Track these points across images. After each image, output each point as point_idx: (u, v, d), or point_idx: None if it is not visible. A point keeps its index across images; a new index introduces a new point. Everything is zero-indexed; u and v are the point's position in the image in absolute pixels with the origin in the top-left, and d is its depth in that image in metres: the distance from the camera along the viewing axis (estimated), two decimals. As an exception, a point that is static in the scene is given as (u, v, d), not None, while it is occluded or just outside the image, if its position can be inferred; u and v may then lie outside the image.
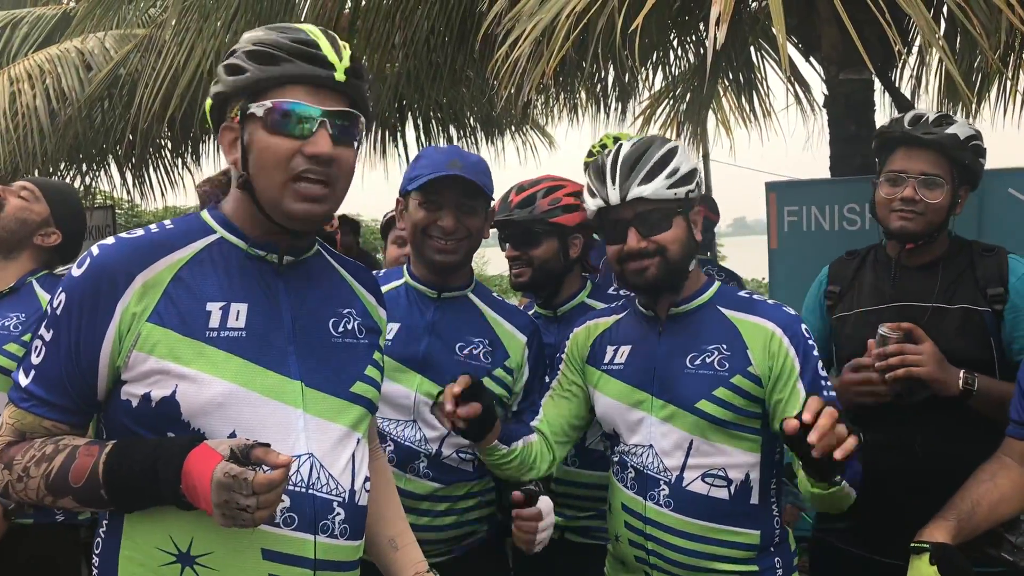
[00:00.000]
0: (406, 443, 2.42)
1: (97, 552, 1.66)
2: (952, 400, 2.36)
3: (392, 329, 2.46)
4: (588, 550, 2.67)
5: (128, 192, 9.17)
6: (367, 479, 1.78)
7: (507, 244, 2.82)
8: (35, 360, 1.60)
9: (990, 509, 2.04)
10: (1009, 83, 7.03)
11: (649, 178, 2.19)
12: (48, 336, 1.59)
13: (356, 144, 1.69)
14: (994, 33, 2.93)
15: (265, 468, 1.46)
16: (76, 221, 3.10)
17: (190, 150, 9.24)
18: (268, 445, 1.52)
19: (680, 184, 2.22)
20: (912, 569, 1.92)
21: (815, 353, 2.19)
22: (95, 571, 1.66)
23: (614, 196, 2.20)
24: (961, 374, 2.34)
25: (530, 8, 2.88)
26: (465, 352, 2.46)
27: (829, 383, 2.18)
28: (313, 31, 1.65)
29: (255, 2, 5.43)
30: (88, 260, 1.60)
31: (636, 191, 2.18)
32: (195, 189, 3.10)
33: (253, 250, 1.71)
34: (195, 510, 1.52)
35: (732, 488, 2.19)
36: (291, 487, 1.61)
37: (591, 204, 2.28)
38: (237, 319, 1.63)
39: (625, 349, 2.33)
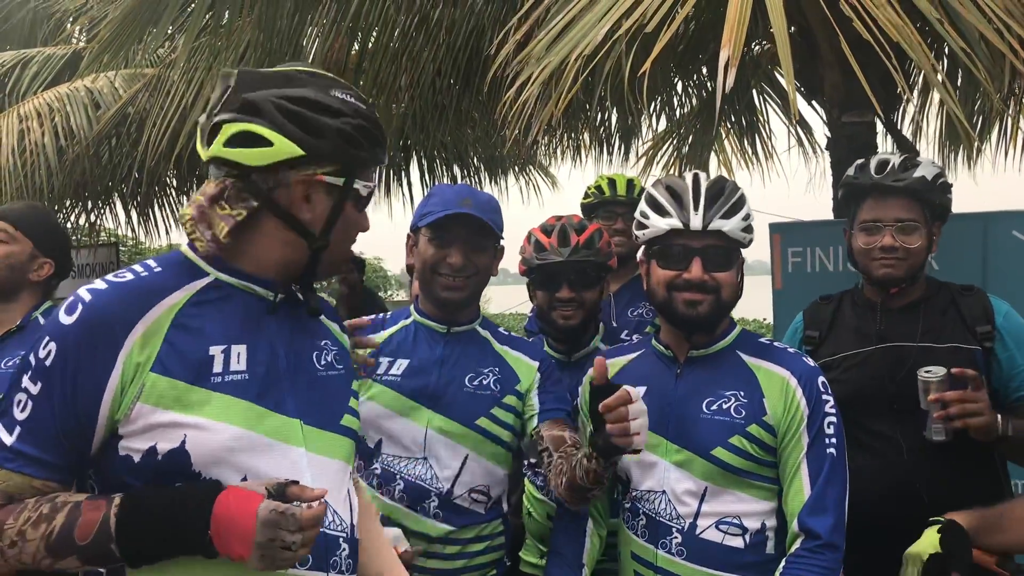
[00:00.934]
0: (416, 481, 2.40)
1: None
2: (940, 447, 2.37)
3: (401, 365, 2.46)
4: None
5: (133, 230, 9.22)
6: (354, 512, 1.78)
7: (563, 286, 2.79)
8: (20, 416, 1.50)
9: (1020, 520, 2.08)
10: (1010, 125, 7.09)
11: (730, 214, 2.20)
12: (36, 389, 1.50)
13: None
14: (997, 76, 2.96)
15: (302, 505, 1.46)
16: (58, 238, 3.03)
17: (195, 188, 9.30)
18: (298, 482, 1.51)
19: (748, 230, 2.25)
20: (923, 536, 2.01)
21: (829, 408, 2.19)
22: None
23: (696, 222, 2.18)
24: (999, 418, 2.32)
25: (538, 52, 2.92)
26: (475, 383, 2.44)
27: (833, 440, 2.16)
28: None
29: (265, 41, 5.49)
30: (80, 307, 1.53)
31: (718, 223, 2.18)
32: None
33: (261, 290, 1.69)
34: (210, 560, 1.49)
35: (747, 537, 2.16)
36: None
37: (661, 224, 2.22)
38: (239, 362, 1.61)
39: (641, 389, 2.25)
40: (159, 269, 1.64)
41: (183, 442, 1.52)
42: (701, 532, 2.16)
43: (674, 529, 2.18)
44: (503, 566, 2.57)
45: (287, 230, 1.67)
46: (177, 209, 9.52)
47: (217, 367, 1.58)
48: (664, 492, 2.21)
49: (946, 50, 5.00)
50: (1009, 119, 6.71)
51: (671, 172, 8.66)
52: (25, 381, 1.52)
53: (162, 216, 9.23)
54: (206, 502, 1.46)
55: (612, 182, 3.89)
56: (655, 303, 2.31)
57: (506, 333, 2.63)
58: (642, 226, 2.30)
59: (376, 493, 2.41)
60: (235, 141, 1.62)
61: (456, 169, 9.40)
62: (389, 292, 26.80)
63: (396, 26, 5.81)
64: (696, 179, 2.25)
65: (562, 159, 9.24)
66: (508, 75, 3.33)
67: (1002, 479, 2.52)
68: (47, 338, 1.53)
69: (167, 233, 9.41)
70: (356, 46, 6.29)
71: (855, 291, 2.77)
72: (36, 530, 1.47)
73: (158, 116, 5.83)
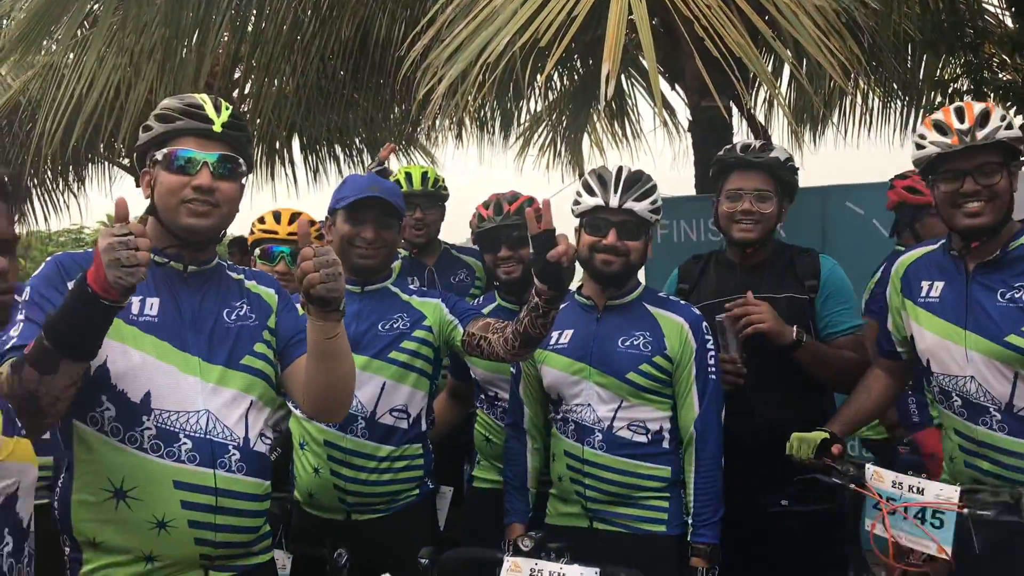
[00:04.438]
0: None
1: (57, 494, 2.13)
2: (782, 376, 2.97)
3: None
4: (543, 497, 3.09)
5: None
6: (263, 434, 2.23)
7: (502, 246, 3.37)
8: (14, 333, 1.98)
9: (866, 412, 2.90)
10: (849, 104, 7.90)
11: (641, 198, 2.79)
12: (22, 316, 2.02)
13: (237, 178, 2.21)
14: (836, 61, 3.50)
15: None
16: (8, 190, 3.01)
17: (72, 175, 9.25)
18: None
19: (655, 212, 2.85)
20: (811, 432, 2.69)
21: (710, 346, 2.85)
22: (55, 510, 2.13)
23: (614, 201, 2.77)
24: (794, 328, 2.95)
25: (439, 60, 3.33)
26: (387, 327, 2.91)
27: (714, 369, 2.84)
28: (202, 97, 2.23)
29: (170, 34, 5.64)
30: (45, 262, 2.14)
31: (631, 204, 2.78)
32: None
33: (161, 259, 2.19)
34: (123, 452, 2.05)
35: (649, 435, 2.82)
36: (193, 434, 2.10)
37: (588, 201, 2.81)
38: (151, 309, 2.16)
39: (568, 332, 2.88)
40: None
41: (105, 360, 2.06)
42: (616, 431, 2.80)
43: (596, 430, 2.81)
44: (426, 487, 2.99)
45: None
46: (54, 195, 9.45)
47: (135, 310, 2.13)
48: (589, 404, 2.83)
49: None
50: (850, 95, 7.45)
51: (547, 152, 9.17)
52: (16, 315, 2.02)
53: (40, 203, 9.13)
54: (82, 280, 1.82)
55: (408, 176, 4.24)
56: (581, 262, 2.85)
57: (415, 288, 3.11)
58: (577, 203, 2.87)
59: (314, 423, 2.84)
60: None
61: (338, 150, 9.60)
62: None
63: (288, 13, 6.05)
64: (620, 170, 2.83)
65: (443, 141, 9.61)
66: (405, 70, 3.70)
67: (827, 407, 3.12)
68: (27, 286, 2.08)
69: (45, 220, 9.32)
70: (249, 34, 6.47)
71: (719, 252, 3.34)
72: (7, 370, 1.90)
73: (50, 108, 5.87)
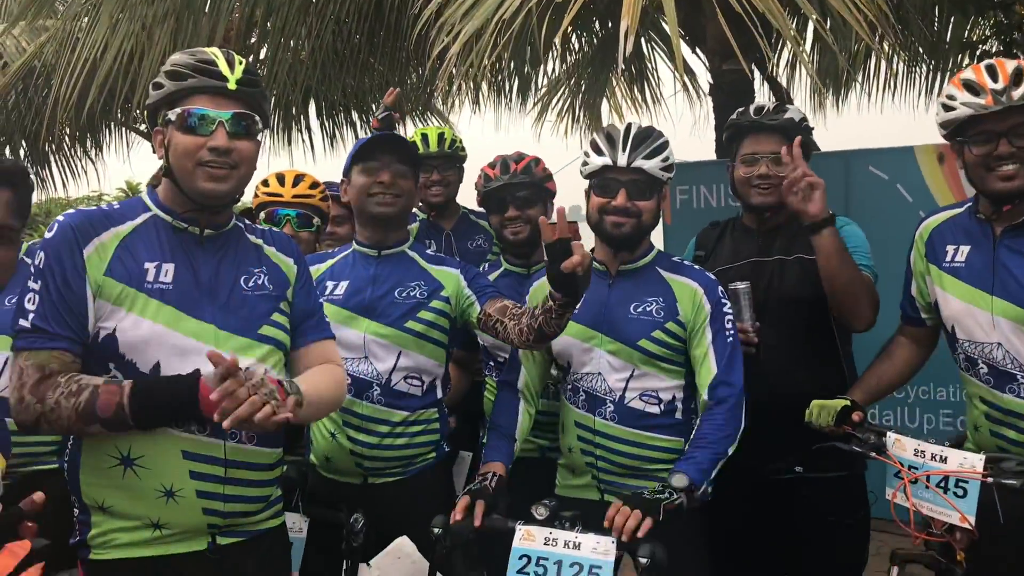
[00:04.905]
0: (360, 376, 2.82)
1: (67, 460, 2.11)
2: (802, 343, 2.93)
3: (342, 286, 2.89)
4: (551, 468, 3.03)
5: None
6: None
7: (508, 207, 3.29)
8: (30, 307, 1.98)
9: (889, 380, 2.83)
10: (873, 68, 7.75)
11: (651, 156, 2.68)
12: (37, 286, 2.00)
13: (255, 137, 2.14)
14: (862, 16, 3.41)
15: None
16: (19, 178, 2.71)
17: (89, 140, 9.24)
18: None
19: (667, 170, 2.74)
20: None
21: (727, 310, 2.75)
22: (65, 473, 2.11)
23: (622, 160, 2.67)
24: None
25: (457, 15, 3.25)
26: (403, 295, 2.87)
27: (731, 332, 2.72)
28: (214, 51, 2.15)
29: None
30: (57, 225, 2.05)
31: (640, 162, 2.67)
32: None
33: (178, 223, 2.15)
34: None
35: (661, 405, 2.73)
36: None
37: (596, 161, 2.71)
38: (166, 276, 2.09)
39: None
40: (118, 207, 2.16)
41: (115, 329, 2.02)
42: (628, 402, 2.72)
43: (607, 400, 2.74)
44: (443, 450, 3.00)
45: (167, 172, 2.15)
46: (72, 161, 9.45)
47: (149, 277, 2.07)
48: (600, 373, 2.75)
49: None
50: (879, 58, 7.30)
51: (565, 118, 9.05)
52: (30, 284, 2.02)
53: (58, 170, 9.14)
54: (193, 390, 1.92)
55: (425, 137, 4.13)
56: (591, 225, 2.80)
57: (433, 253, 3.05)
58: (585, 164, 2.77)
59: None
60: None
61: (355, 115, 9.53)
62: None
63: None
64: (628, 127, 2.73)
65: (460, 107, 9.51)
66: (420, 29, 3.63)
67: (846, 373, 3.04)
68: (39, 251, 2.03)
69: (63, 185, 9.33)
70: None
71: (736, 219, 3.27)
72: (68, 402, 1.92)
73: (65, 71, 5.84)
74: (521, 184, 3.31)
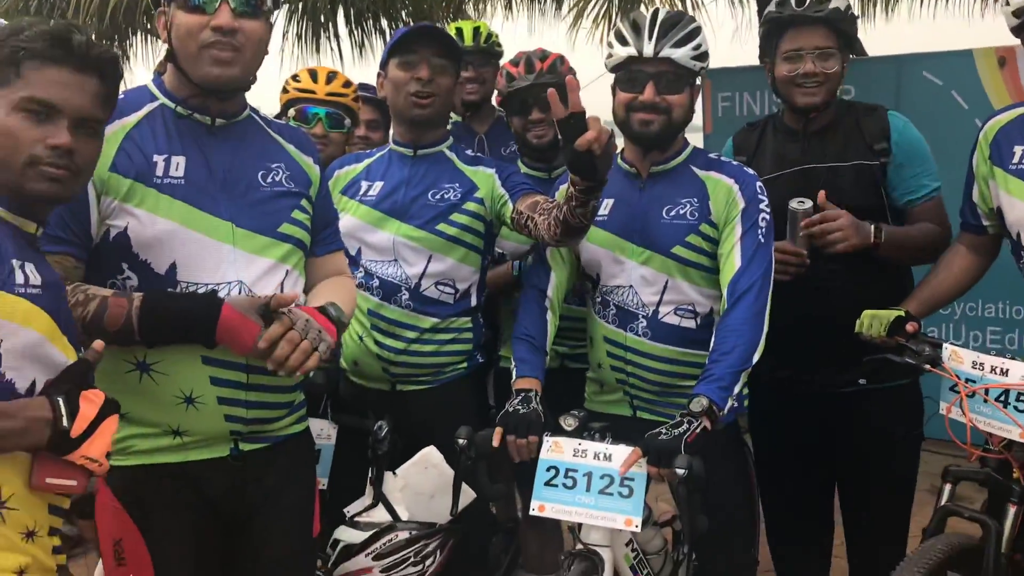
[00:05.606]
0: (389, 279, 2.71)
1: None
2: (856, 254, 2.66)
3: (376, 187, 2.76)
4: (583, 376, 2.88)
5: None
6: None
7: (532, 109, 3.05)
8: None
9: (946, 291, 2.69)
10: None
11: (681, 44, 2.44)
12: None
13: (263, 16, 2.00)
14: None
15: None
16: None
17: (116, 47, 9.05)
18: (272, 298, 1.89)
19: (700, 59, 2.49)
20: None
21: (763, 207, 2.49)
22: None
23: (648, 49, 2.43)
24: (871, 229, 2.65)
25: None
26: (437, 197, 2.73)
27: (764, 230, 2.46)
28: None
29: None
30: None
31: (668, 51, 2.43)
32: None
33: (186, 111, 2.02)
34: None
35: (698, 319, 2.54)
36: None
37: (620, 52, 2.47)
38: (177, 169, 1.97)
39: (608, 202, 2.57)
40: (122, 98, 1.94)
41: (126, 228, 1.92)
42: (663, 317, 2.53)
43: (640, 315, 2.54)
44: (475, 360, 2.88)
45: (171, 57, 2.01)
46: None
47: (159, 172, 1.95)
48: (631, 286, 2.55)
49: None
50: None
51: (601, 24, 8.73)
52: None
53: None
54: (211, 321, 1.86)
55: (459, 32, 3.88)
56: (618, 123, 2.56)
57: (471, 154, 2.89)
58: (609, 55, 2.54)
59: (360, 291, 2.68)
60: None
61: (384, 22, 9.30)
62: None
63: None
64: (655, 13, 2.48)
65: (492, 12, 9.21)
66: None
67: (906, 284, 2.87)
68: None
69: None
70: None
71: (776, 117, 3.02)
72: (74, 312, 1.80)
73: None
74: (547, 84, 2.96)
